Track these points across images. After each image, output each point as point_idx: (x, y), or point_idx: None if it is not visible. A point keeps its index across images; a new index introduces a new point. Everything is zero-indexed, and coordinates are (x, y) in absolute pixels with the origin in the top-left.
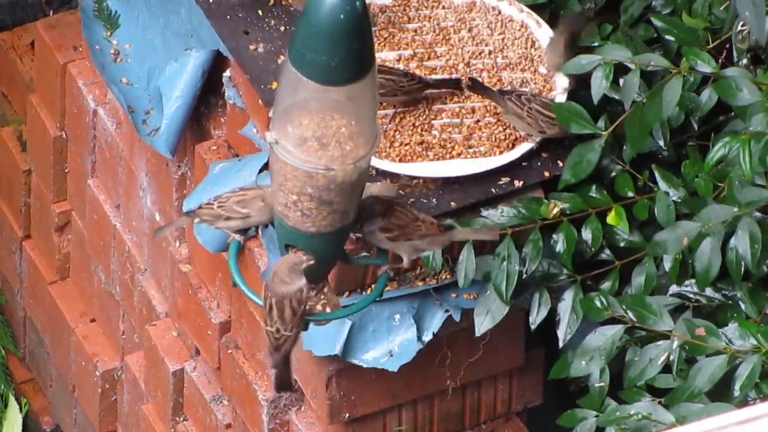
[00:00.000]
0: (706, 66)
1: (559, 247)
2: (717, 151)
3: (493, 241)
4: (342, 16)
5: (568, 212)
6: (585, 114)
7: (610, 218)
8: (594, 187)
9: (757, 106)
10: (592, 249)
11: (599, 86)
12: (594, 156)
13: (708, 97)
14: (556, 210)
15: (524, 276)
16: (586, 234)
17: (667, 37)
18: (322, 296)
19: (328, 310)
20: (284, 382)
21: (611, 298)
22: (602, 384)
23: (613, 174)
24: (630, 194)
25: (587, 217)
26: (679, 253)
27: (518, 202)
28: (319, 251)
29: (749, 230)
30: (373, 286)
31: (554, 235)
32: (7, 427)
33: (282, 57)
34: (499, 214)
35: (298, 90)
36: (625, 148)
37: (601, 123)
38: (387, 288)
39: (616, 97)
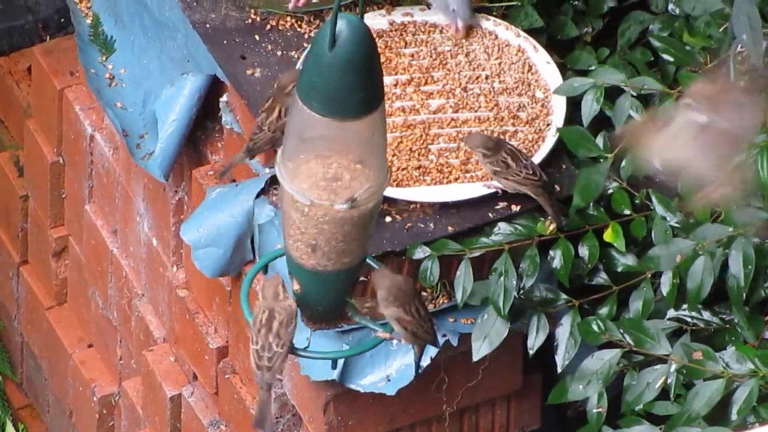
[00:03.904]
0: None
1: (556, 263)
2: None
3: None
4: (350, 50)
5: (565, 229)
6: (590, 137)
7: (607, 235)
8: (591, 205)
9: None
10: (589, 266)
11: (590, 109)
12: (600, 178)
13: None
14: (552, 226)
15: (521, 293)
16: (583, 251)
17: (665, 56)
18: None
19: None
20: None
21: (609, 322)
22: (600, 409)
23: (610, 191)
24: (627, 212)
25: (584, 233)
26: (676, 277)
27: (515, 219)
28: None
29: (743, 250)
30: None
31: (551, 251)
32: None
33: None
34: (497, 232)
35: (308, 126)
36: (622, 165)
37: (599, 141)
38: None
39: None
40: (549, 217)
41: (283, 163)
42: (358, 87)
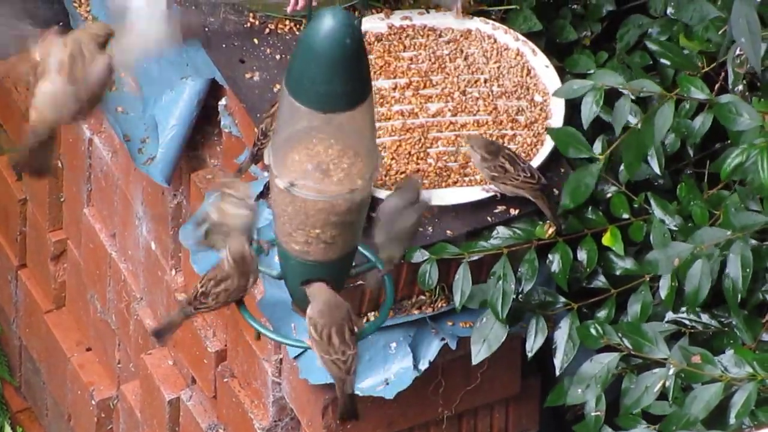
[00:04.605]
0: (699, 93)
1: (555, 267)
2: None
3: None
4: (338, 44)
5: (563, 233)
6: (582, 138)
7: (606, 239)
8: (590, 209)
9: (756, 131)
10: (587, 270)
11: (589, 111)
12: (591, 180)
13: (701, 123)
14: (551, 230)
15: (520, 296)
16: (582, 254)
17: (663, 60)
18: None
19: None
20: (351, 409)
21: (607, 326)
22: (598, 413)
23: (609, 195)
24: (625, 216)
25: (583, 237)
26: (674, 280)
27: (514, 223)
28: (336, 275)
29: (741, 254)
30: (371, 314)
31: (550, 255)
32: None
33: (278, 85)
34: (495, 235)
35: (296, 119)
36: (621, 170)
37: (597, 145)
38: None
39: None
40: (548, 221)
41: (274, 159)
42: (345, 80)
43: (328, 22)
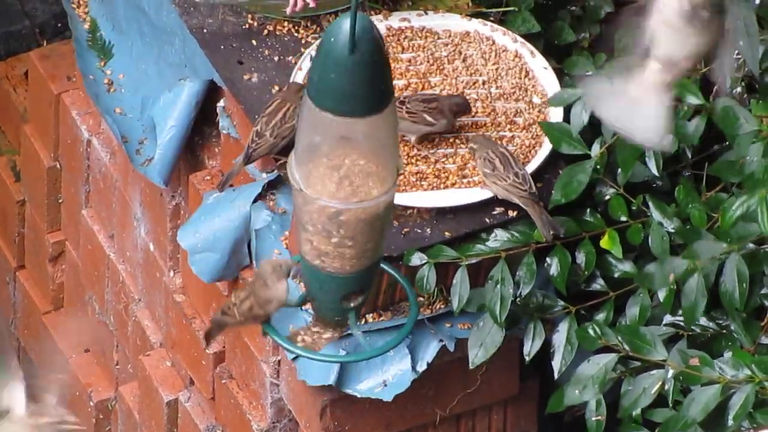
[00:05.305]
0: (694, 98)
1: (553, 270)
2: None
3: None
4: (358, 47)
5: (561, 236)
6: (575, 134)
7: (604, 242)
8: (588, 211)
9: (752, 135)
10: (586, 273)
11: (578, 119)
12: (584, 177)
13: (695, 126)
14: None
15: (518, 300)
16: (580, 257)
17: None
18: (316, 334)
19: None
20: (209, 337)
21: (605, 327)
22: (599, 417)
23: (607, 198)
24: (623, 218)
25: (581, 240)
26: (673, 283)
27: (512, 225)
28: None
29: (737, 267)
30: (369, 316)
31: (548, 259)
32: None
33: (276, 87)
34: (493, 238)
35: (318, 125)
36: (619, 171)
37: (596, 147)
38: (381, 318)
39: None
40: None
41: (298, 166)
42: (366, 84)
43: (346, 26)
